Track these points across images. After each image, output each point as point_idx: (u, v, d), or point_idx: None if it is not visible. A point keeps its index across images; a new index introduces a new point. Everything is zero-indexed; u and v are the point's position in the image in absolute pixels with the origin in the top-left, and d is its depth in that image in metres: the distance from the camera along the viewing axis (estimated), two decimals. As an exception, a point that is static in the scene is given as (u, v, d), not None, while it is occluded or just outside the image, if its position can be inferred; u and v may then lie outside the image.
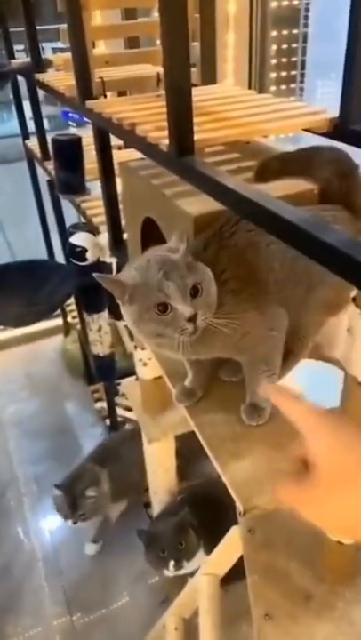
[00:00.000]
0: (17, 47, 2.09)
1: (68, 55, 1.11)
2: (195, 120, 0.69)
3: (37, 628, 1.57)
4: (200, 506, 1.41)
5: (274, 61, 1.79)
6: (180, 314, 0.55)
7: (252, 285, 0.64)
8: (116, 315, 2.09)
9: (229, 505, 0.93)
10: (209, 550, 1.33)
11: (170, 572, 1.30)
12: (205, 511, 1.38)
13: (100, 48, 1.51)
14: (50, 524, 1.85)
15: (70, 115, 2.07)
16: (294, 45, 1.82)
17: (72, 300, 2.18)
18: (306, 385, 0.80)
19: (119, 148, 1.50)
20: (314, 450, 0.42)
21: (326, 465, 0.40)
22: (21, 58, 2.01)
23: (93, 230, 1.47)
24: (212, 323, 0.58)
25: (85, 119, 1.61)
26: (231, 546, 0.96)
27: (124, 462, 1.68)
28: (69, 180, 1.49)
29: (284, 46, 1.79)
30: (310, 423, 0.43)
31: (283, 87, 1.85)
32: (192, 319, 0.56)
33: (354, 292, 0.52)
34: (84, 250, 1.42)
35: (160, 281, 0.56)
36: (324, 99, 2.41)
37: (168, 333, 0.57)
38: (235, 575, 1.04)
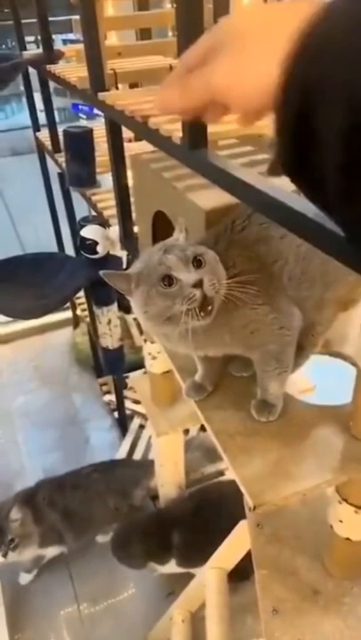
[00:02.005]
0: (28, 39, 2.09)
1: (80, 46, 1.11)
2: (208, 113, 0.68)
3: (45, 618, 1.58)
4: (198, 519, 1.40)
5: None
6: (185, 282, 0.55)
7: (263, 281, 0.63)
8: (125, 308, 2.10)
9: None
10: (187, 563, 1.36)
11: None
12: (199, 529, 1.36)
13: (112, 40, 1.50)
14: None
15: (80, 107, 2.06)
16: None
17: (82, 292, 2.18)
18: (317, 380, 0.80)
19: (130, 140, 1.50)
20: None
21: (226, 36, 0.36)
22: (32, 50, 2.01)
23: (104, 223, 1.47)
24: (225, 292, 0.57)
25: (96, 111, 1.61)
26: (239, 540, 0.96)
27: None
28: (80, 173, 1.49)
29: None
30: None
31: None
32: (198, 285, 0.55)
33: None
34: (95, 243, 1.42)
35: (161, 257, 0.56)
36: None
37: (177, 309, 0.55)
38: (242, 574, 1.04)
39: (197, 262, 0.56)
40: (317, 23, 0.28)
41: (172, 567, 1.40)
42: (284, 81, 0.30)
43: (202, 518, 1.39)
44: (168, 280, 0.55)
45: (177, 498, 1.50)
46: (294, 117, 0.30)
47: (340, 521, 0.72)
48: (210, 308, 0.56)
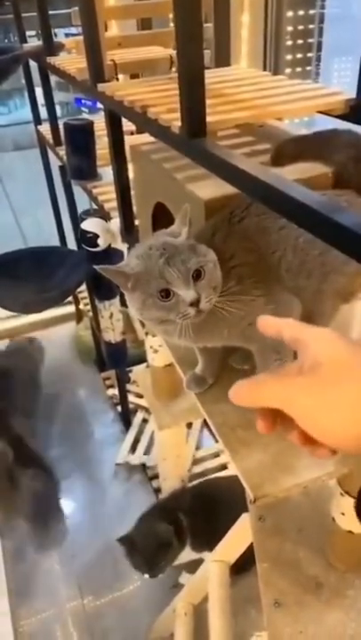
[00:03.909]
0: (30, 33, 2.07)
1: (80, 38, 1.10)
2: (207, 102, 0.67)
3: (50, 610, 1.60)
4: (201, 502, 1.39)
5: (289, 43, 1.74)
6: (183, 299, 0.55)
7: (261, 272, 0.63)
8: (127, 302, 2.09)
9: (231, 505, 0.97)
10: (200, 545, 1.34)
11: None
12: (204, 510, 1.36)
13: (112, 30, 1.49)
14: (63, 508, 1.87)
15: (83, 101, 2.05)
16: (311, 26, 1.77)
17: (84, 286, 2.18)
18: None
19: (131, 133, 1.48)
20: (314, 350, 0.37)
21: (326, 360, 0.35)
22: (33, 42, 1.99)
23: (105, 216, 1.46)
24: (216, 305, 0.57)
25: (98, 105, 1.60)
26: (241, 533, 0.96)
27: None
28: (81, 166, 1.48)
29: (300, 27, 1.75)
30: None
31: (298, 69, 1.81)
32: (194, 303, 0.55)
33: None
34: (96, 236, 1.41)
35: (161, 267, 0.55)
36: (341, 82, 2.36)
37: (171, 319, 0.56)
38: (244, 565, 1.04)
39: (197, 273, 0.56)
40: None
41: (189, 554, 1.38)
42: None
43: (202, 502, 1.38)
44: (166, 292, 0.55)
45: (176, 489, 1.49)
46: None
47: (343, 513, 0.72)
48: (201, 313, 0.56)
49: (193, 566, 1.27)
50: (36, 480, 1.62)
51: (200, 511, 1.36)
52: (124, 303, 1.95)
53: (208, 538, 1.31)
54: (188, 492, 1.44)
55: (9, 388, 1.91)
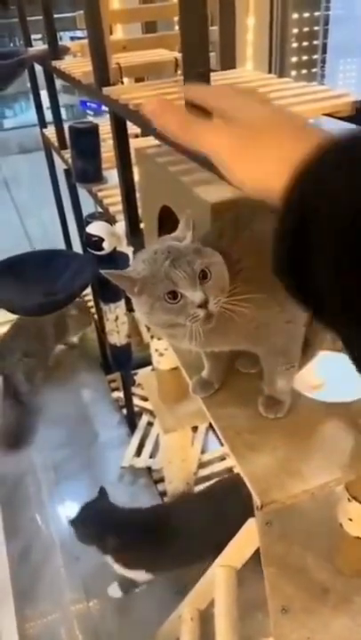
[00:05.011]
0: (35, 36, 2.08)
1: (85, 42, 1.10)
2: (213, 105, 0.67)
3: (55, 613, 1.59)
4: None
5: (295, 45, 1.74)
6: (191, 301, 0.54)
7: (268, 275, 0.62)
8: (132, 305, 2.09)
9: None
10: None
11: None
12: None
13: (118, 34, 1.49)
14: (67, 511, 1.87)
15: (88, 104, 2.06)
16: (316, 28, 1.77)
17: (89, 289, 2.19)
18: (326, 377, 0.78)
19: (136, 135, 1.49)
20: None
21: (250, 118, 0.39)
22: (39, 46, 2.00)
23: (110, 219, 1.46)
24: (225, 307, 0.56)
25: (103, 108, 1.61)
26: (248, 537, 0.95)
27: None
28: (86, 169, 1.48)
29: (306, 29, 1.75)
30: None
31: (304, 72, 1.80)
32: (203, 305, 0.54)
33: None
34: (101, 239, 1.41)
35: (167, 269, 0.55)
36: (347, 83, 2.35)
37: (180, 322, 0.55)
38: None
39: (203, 274, 0.55)
40: (318, 158, 0.31)
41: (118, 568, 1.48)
42: (287, 193, 0.32)
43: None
44: (173, 295, 0.55)
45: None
46: (291, 230, 0.32)
47: (350, 519, 0.71)
48: (212, 317, 0.56)
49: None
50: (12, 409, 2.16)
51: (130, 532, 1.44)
52: (129, 306, 1.95)
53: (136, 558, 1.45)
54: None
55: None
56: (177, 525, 1.44)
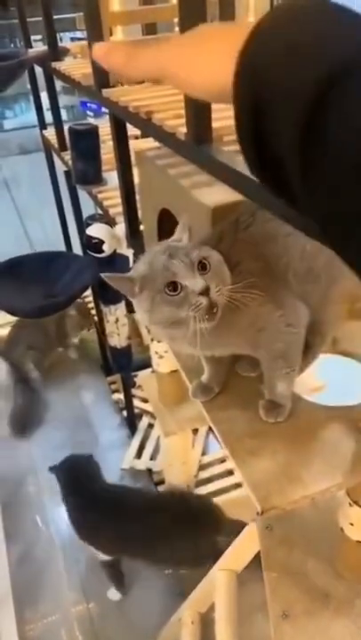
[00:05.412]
0: (35, 37, 2.08)
1: (85, 43, 1.10)
2: (213, 107, 0.67)
3: (55, 615, 1.59)
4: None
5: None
6: (191, 290, 0.54)
7: (268, 278, 0.62)
8: (132, 307, 2.09)
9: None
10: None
11: None
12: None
13: (118, 35, 1.49)
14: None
15: (88, 105, 2.05)
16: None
17: (89, 291, 2.18)
18: (327, 380, 0.78)
19: (136, 137, 1.48)
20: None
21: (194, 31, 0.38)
22: (39, 47, 2.00)
23: (110, 222, 1.46)
24: (231, 296, 0.56)
25: (103, 109, 1.60)
26: (248, 542, 0.95)
27: None
28: (86, 171, 1.48)
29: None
30: None
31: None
32: (204, 292, 0.54)
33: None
34: (101, 242, 1.41)
35: (165, 262, 0.55)
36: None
37: (183, 316, 0.55)
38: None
39: (202, 266, 0.55)
40: (262, 27, 0.30)
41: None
42: (236, 75, 0.31)
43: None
44: (173, 286, 0.54)
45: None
46: (247, 109, 0.30)
47: (351, 524, 0.71)
48: (215, 310, 0.55)
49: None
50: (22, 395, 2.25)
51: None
52: (129, 308, 1.95)
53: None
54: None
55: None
56: (132, 513, 1.47)
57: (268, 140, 0.30)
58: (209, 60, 0.35)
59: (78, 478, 1.52)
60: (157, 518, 1.42)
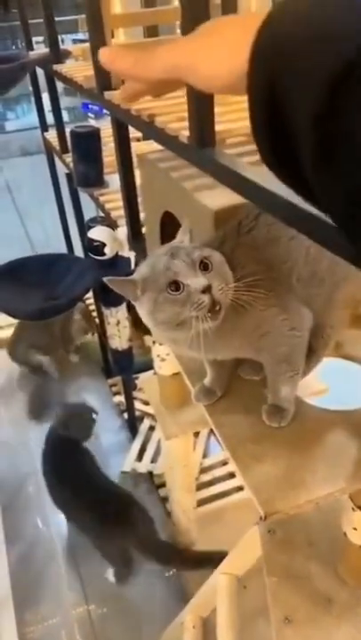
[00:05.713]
0: (37, 39, 2.08)
1: (87, 45, 1.09)
2: (216, 110, 0.67)
3: (55, 617, 1.58)
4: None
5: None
6: (193, 288, 0.54)
7: (271, 282, 0.62)
8: (134, 309, 2.08)
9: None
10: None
11: None
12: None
13: (119, 37, 1.49)
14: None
15: (90, 106, 2.05)
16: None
17: (91, 293, 2.18)
18: (329, 384, 0.78)
19: (138, 139, 1.48)
20: None
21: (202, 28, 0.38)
22: (40, 49, 2.00)
23: (112, 224, 1.45)
24: (235, 295, 0.56)
25: (105, 111, 1.60)
26: (250, 546, 0.94)
27: None
28: (87, 173, 1.48)
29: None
30: None
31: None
32: (207, 290, 0.54)
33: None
34: (103, 244, 1.41)
35: (167, 261, 0.55)
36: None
37: (185, 315, 0.54)
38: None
39: (204, 265, 0.55)
40: (274, 16, 0.30)
41: None
42: (251, 60, 0.30)
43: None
44: (175, 286, 0.54)
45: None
46: (261, 95, 0.30)
47: (354, 529, 0.70)
48: (218, 308, 0.55)
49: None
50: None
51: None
52: (130, 310, 1.95)
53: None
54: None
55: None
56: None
57: (284, 123, 0.29)
58: (225, 48, 0.34)
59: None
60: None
